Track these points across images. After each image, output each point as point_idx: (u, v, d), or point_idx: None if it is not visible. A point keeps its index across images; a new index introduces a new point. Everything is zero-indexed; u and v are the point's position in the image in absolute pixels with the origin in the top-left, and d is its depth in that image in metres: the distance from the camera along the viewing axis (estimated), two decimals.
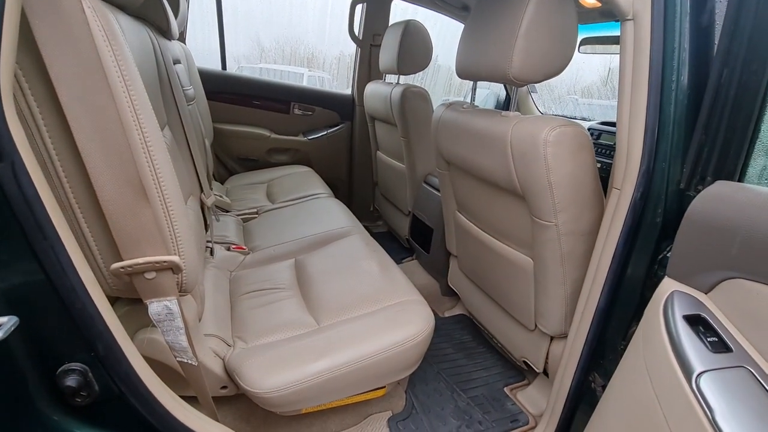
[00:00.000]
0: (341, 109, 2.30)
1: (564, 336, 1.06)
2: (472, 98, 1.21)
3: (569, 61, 0.93)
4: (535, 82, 0.93)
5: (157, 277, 0.55)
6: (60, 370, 0.50)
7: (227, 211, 1.60)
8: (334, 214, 1.50)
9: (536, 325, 1.13)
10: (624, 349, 0.83)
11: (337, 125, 2.31)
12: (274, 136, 2.18)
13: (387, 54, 1.80)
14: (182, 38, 1.89)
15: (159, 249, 0.55)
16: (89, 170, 0.49)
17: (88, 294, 0.48)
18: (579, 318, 0.90)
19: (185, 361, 0.64)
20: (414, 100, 1.68)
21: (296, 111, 2.21)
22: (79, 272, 0.47)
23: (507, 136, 0.93)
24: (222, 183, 2.00)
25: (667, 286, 0.63)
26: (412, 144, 1.75)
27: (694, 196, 0.65)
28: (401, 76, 1.83)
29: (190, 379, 0.69)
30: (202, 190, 1.11)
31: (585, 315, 0.88)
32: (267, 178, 2.03)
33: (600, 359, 0.89)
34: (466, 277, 1.48)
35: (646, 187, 0.74)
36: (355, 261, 1.18)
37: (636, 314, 0.80)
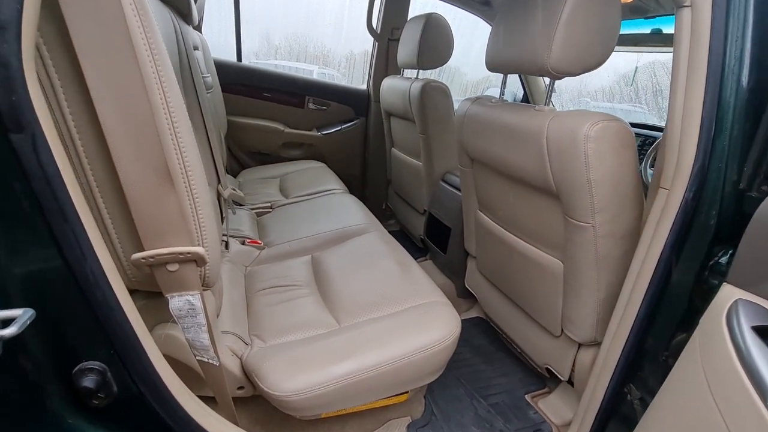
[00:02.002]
0: (356, 104, 2.26)
1: (594, 343, 1.01)
2: (501, 92, 1.16)
3: (611, 53, 0.88)
4: (574, 75, 0.88)
5: (180, 270, 0.51)
6: (77, 368, 0.46)
7: (241, 205, 1.57)
8: (351, 211, 1.46)
9: (563, 331, 1.08)
10: (666, 361, 0.78)
11: (352, 121, 2.27)
12: (288, 130, 2.14)
13: (406, 48, 1.76)
14: (198, 28, 1.86)
15: (183, 239, 0.51)
16: (111, 150, 0.45)
17: (109, 284, 0.44)
18: (616, 325, 0.85)
19: (206, 360, 0.60)
20: (434, 96, 1.63)
21: (311, 105, 2.17)
22: (101, 260, 0.43)
23: (543, 132, 0.88)
24: (234, 177, 1.96)
25: (729, 293, 0.57)
26: (431, 141, 1.70)
27: (758, 197, 0.60)
28: (420, 72, 1.79)
29: (209, 379, 0.65)
30: (219, 182, 1.07)
31: (623, 322, 0.82)
32: (280, 173, 2.00)
33: (638, 370, 0.83)
34: (485, 278, 1.44)
35: (699, 187, 0.69)
36: (375, 259, 1.13)
37: (682, 323, 0.75)
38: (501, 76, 1.14)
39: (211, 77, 1.57)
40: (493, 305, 1.41)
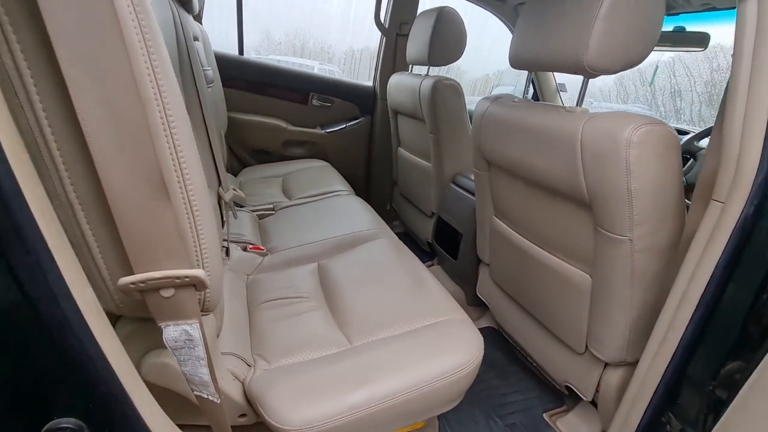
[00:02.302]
0: (361, 101, 2.17)
1: (623, 364, 0.94)
2: (525, 91, 1.08)
3: (652, 49, 0.80)
4: (612, 73, 0.81)
5: (176, 296, 0.44)
6: (46, 429, 0.38)
7: (242, 206, 1.48)
8: (358, 214, 1.38)
9: (587, 348, 1.01)
10: (713, 391, 0.71)
11: (357, 119, 2.18)
12: (290, 127, 2.06)
13: (416, 43, 1.68)
14: (198, 18, 1.77)
15: (179, 260, 0.43)
16: (94, 156, 0.37)
17: (86, 324, 0.36)
18: (655, 348, 0.77)
19: (205, 396, 0.52)
20: (446, 94, 1.55)
21: (314, 102, 2.09)
22: (75, 296, 0.36)
23: (576, 135, 0.80)
24: (235, 176, 1.88)
25: None
26: (442, 141, 1.62)
27: None
28: (430, 68, 1.70)
29: (208, 411, 0.57)
30: (220, 183, 0.99)
31: (665, 345, 0.75)
32: (282, 172, 1.91)
33: (678, 398, 0.76)
34: (498, 287, 1.36)
35: (762, 201, 0.61)
36: (386, 268, 1.06)
37: (734, 351, 0.67)
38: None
39: (212, 71, 1.48)
40: (507, 316, 1.34)
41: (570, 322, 1.02)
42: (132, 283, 0.42)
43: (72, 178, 0.39)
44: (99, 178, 0.38)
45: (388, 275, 1.02)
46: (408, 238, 2.19)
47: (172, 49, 0.76)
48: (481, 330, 1.52)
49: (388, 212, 2.38)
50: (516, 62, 0.98)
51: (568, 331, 1.04)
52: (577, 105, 0.88)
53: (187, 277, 0.43)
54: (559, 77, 2.49)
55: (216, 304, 0.50)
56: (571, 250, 0.97)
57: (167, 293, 0.43)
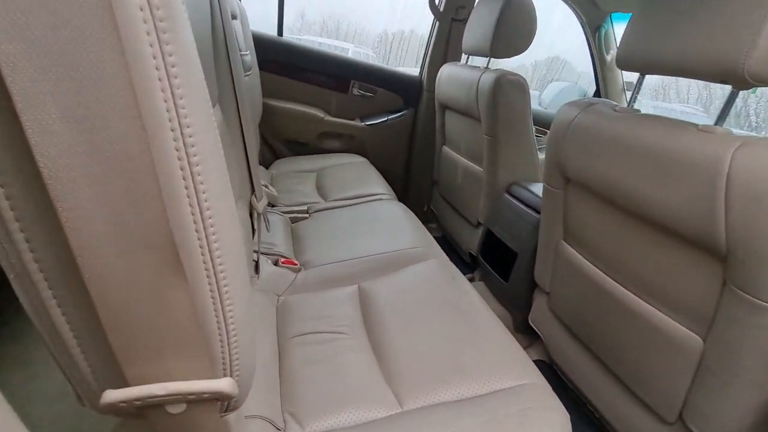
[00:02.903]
0: (406, 92, 1.99)
1: None
2: (633, 99, 0.87)
3: None
4: None
5: (189, 412, 0.29)
6: None
7: (273, 206, 1.35)
8: (403, 227, 1.22)
9: (680, 418, 0.82)
10: None
11: (400, 111, 2.00)
12: (327, 118, 1.90)
13: (477, 31, 1.47)
14: None
15: (196, 363, 0.28)
16: (60, 212, 0.22)
17: None
18: None
19: None
20: (510, 91, 1.35)
21: (355, 91, 1.92)
22: None
23: (721, 165, 0.60)
24: (266, 168, 1.74)
25: None
26: (499, 144, 1.43)
27: None
28: (490, 60, 1.50)
29: None
30: (253, 192, 0.85)
31: None
32: (317, 166, 1.76)
33: None
34: (558, 320, 1.18)
35: None
36: (439, 301, 0.90)
37: None
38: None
39: (250, 55, 1.33)
40: (567, 354, 1.16)
41: (660, 384, 0.84)
42: (123, 402, 0.27)
43: (36, 249, 0.24)
44: (73, 247, 0.23)
45: (443, 311, 0.86)
46: (445, 243, 2.02)
47: (206, 33, 0.61)
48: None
49: (425, 213, 2.21)
50: (626, 63, 0.78)
51: (656, 393, 0.86)
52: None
53: (206, 393, 0.28)
54: (628, 73, 2.22)
55: (243, 401, 0.36)
56: (676, 302, 0.78)
57: (176, 409, 0.29)
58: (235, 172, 0.76)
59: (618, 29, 2.11)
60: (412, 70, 2.10)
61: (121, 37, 0.20)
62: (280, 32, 1.82)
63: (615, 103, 0.89)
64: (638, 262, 0.85)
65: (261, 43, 1.68)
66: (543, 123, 2.25)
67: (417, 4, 1.96)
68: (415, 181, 2.14)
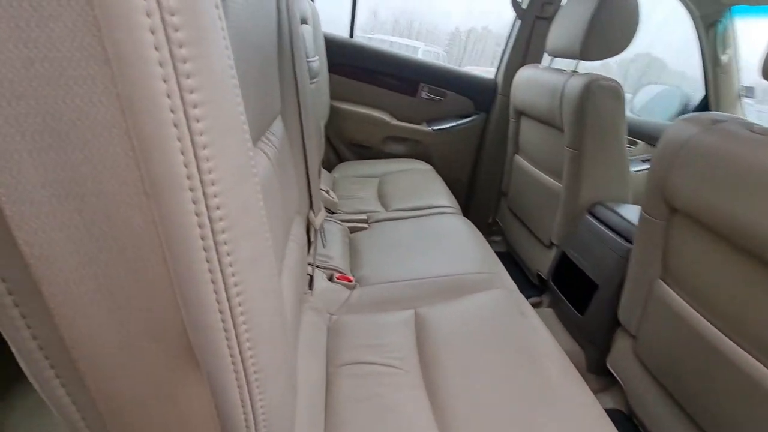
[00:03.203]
0: (478, 96, 1.86)
1: None
2: None
3: None
4: None
5: None
6: None
7: (332, 212, 1.32)
8: (468, 247, 1.12)
9: None
10: None
11: (470, 116, 1.88)
12: (394, 122, 1.84)
13: (565, 30, 1.31)
14: None
15: None
16: (54, 302, 0.18)
17: None
18: None
19: None
20: (603, 99, 1.18)
21: (424, 94, 1.83)
22: None
23: None
24: (329, 171, 1.73)
25: None
26: (584, 158, 1.26)
27: None
28: (578, 63, 1.33)
29: None
30: (311, 206, 0.81)
31: None
32: (380, 171, 1.71)
33: None
34: (644, 369, 1.01)
35: None
36: (506, 340, 0.79)
37: None
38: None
39: (318, 61, 1.31)
40: (652, 408, 0.99)
41: None
42: None
43: (28, 318, 0.20)
44: (69, 329, 0.18)
45: (509, 353, 0.76)
46: (510, 260, 1.87)
47: (270, 39, 0.57)
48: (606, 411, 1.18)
49: (489, 225, 2.07)
50: None
51: None
52: None
53: None
54: (747, 76, 1.89)
55: None
56: None
57: None
58: (295, 187, 0.72)
59: (739, 25, 1.78)
60: (486, 70, 1.98)
61: (115, 74, 0.14)
62: (351, 33, 1.79)
63: (749, 121, 0.71)
64: (761, 319, 0.67)
65: (332, 46, 1.67)
66: (634, 132, 1.99)
67: (494, 4, 1.82)
68: (480, 190, 2.01)
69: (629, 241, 1.11)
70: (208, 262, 0.19)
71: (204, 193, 0.18)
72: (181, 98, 0.16)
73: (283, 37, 0.64)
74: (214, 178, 0.18)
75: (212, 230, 0.19)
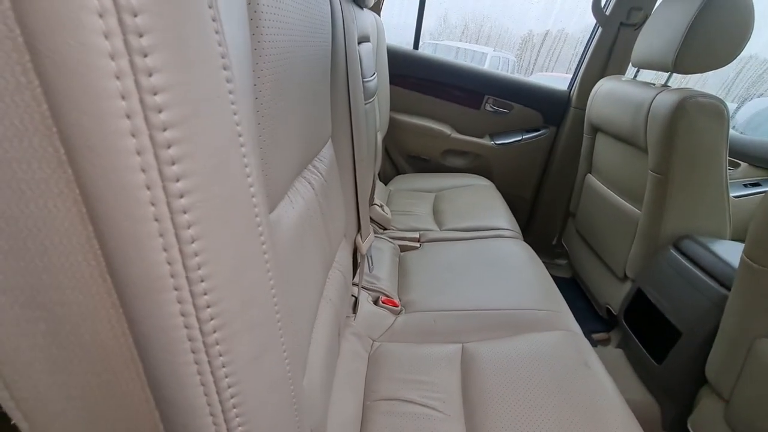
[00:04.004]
0: (548, 109, 1.73)
1: None
2: None
3: None
4: None
5: None
6: None
7: (384, 228, 1.29)
8: (528, 278, 1.02)
9: None
10: None
11: (538, 130, 1.75)
12: (454, 135, 1.78)
13: (656, 38, 1.16)
14: (377, 9, 1.61)
15: None
16: (23, 409, 0.16)
17: None
18: None
19: None
20: (699, 119, 1.02)
21: (488, 107, 1.74)
22: None
23: None
24: (386, 184, 1.71)
25: None
26: (671, 185, 1.10)
27: None
28: (671, 75, 1.17)
29: None
30: (359, 230, 0.79)
31: None
32: (436, 186, 1.66)
33: None
34: None
35: None
36: (565, 392, 0.70)
37: None
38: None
39: (379, 71, 1.30)
40: None
41: None
42: None
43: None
44: None
45: (568, 408, 0.67)
46: (575, 289, 1.71)
47: (323, 63, 0.55)
48: None
49: (553, 247, 1.92)
50: None
51: None
52: None
53: None
54: None
55: None
56: None
57: None
58: (342, 212, 0.70)
59: None
60: (562, 77, 1.83)
61: (81, 169, 0.12)
62: (416, 45, 1.76)
63: None
64: None
65: (394, 58, 1.65)
66: (735, 151, 1.73)
67: (573, 3, 1.68)
68: (545, 209, 1.87)
69: (725, 285, 0.95)
70: (197, 363, 0.16)
71: (191, 292, 0.15)
72: (164, 189, 0.14)
73: (338, 60, 0.62)
74: (203, 274, 0.16)
75: (201, 331, 0.16)
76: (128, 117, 0.13)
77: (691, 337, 0.99)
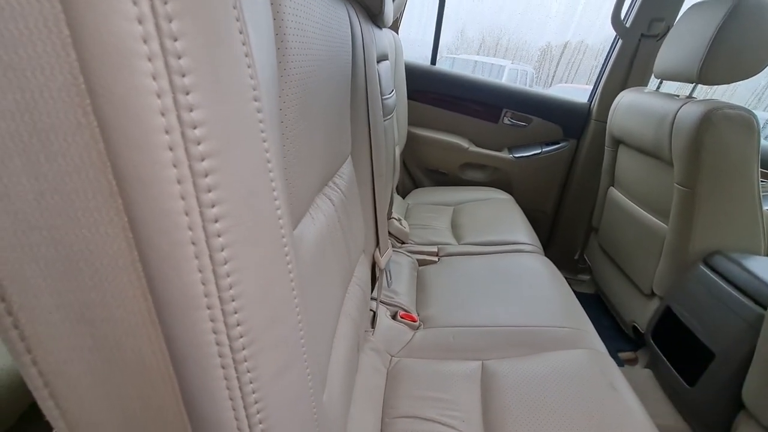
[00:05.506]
0: (568, 122, 1.71)
1: None
2: None
3: None
4: None
5: None
6: None
7: (402, 243, 1.29)
8: (549, 294, 1.00)
9: None
10: None
11: (557, 143, 1.74)
12: (472, 148, 1.78)
13: (681, 49, 1.14)
14: (395, 27, 1.64)
15: None
16: (68, 420, 0.17)
17: None
18: None
19: None
20: (726, 131, 1.00)
21: (506, 120, 1.74)
22: None
23: None
24: (404, 197, 1.72)
25: None
26: (699, 198, 1.07)
27: None
28: (695, 87, 1.14)
29: None
30: (378, 244, 0.80)
31: None
32: (455, 200, 1.66)
33: None
34: None
35: None
36: (588, 414, 0.68)
37: None
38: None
39: (398, 87, 1.32)
40: None
41: None
42: None
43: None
44: None
45: (593, 426, 0.64)
46: (599, 305, 1.66)
47: (343, 83, 0.57)
48: None
49: (575, 262, 1.87)
50: None
51: None
52: None
53: None
54: None
55: None
56: None
57: None
58: (361, 227, 0.71)
59: None
60: (582, 88, 1.82)
61: (130, 196, 0.14)
62: (433, 61, 1.78)
63: None
64: None
65: (412, 74, 1.68)
66: None
67: (592, 14, 1.67)
68: (567, 223, 1.84)
69: (761, 304, 0.90)
70: (226, 379, 0.17)
71: (223, 311, 0.16)
72: (201, 214, 0.15)
73: (358, 80, 0.64)
74: (234, 294, 0.17)
75: (231, 348, 0.17)
76: (171, 149, 0.14)
77: (725, 359, 0.95)
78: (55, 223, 0.15)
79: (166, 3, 0.13)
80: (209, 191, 0.15)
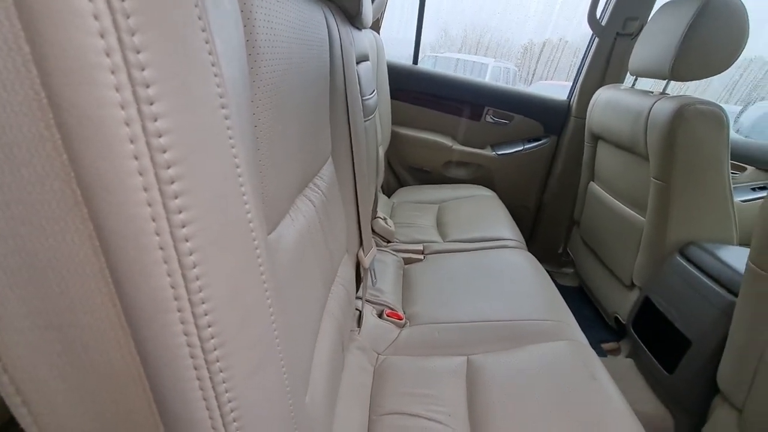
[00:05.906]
0: (548, 119, 1.75)
1: None
2: None
3: None
4: None
5: None
6: None
7: (388, 241, 1.30)
8: (532, 289, 1.02)
9: None
10: None
11: (539, 140, 1.77)
12: (456, 146, 1.80)
13: (652, 47, 1.18)
14: (376, 27, 1.65)
15: None
16: (40, 424, 0.18)
17: None
18: None
19: None
20: (698, 126, 1.03)
21: (488, 118, 1.76)
22: None
23: None
24: (389, 196, 1.73)
25: None
26: (674, 192, 1.11)
27: None
28: (668, 83, 1.18)
29: None
30: (361, 244, 0.80)
31: None
32: (439, 198, 1.67)
33: None
34: None
35: None
36: (571, 404, 0.70)
37: None
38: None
39: (380, 87, 1.33)
40: None
41: None
42: None
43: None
44: None
45: (575, 421, 0.66)
46: (583, 297, 1.69)
47: (321, 86, 0.57)
48: None
49: (558, 256, 1.91)
50: None
51: None
52: None
53: None
54: None
55: None
56: None
57: None
58: (344, 227, 0.72)
59: None
60: (562, 84, 1.85)
61: (85, 214, 0.14)
62: (415, 60, 1.79)
63: None
64: None
65: (395, 73, 1.69)
66: (741, 156, 1.72)
67: (570, 12, 1.71)
68: (549, 218, 1.87)
69: (732, 292, 0.94)
70: (199, 379, 0.18)
71: (193, 313, 0.17)
72: (168, 220, 0.16)
73: (337, 81, 0.65)
74: (204, 297, 0.17)
75: (202, 348, 0.17)
76: (136, 158, 0.14)
77: (701, 345, 0.98)
78: (20, 233, 0.15)
79: (128, 17, 0.13)
80: (176, 197, 0.16)
